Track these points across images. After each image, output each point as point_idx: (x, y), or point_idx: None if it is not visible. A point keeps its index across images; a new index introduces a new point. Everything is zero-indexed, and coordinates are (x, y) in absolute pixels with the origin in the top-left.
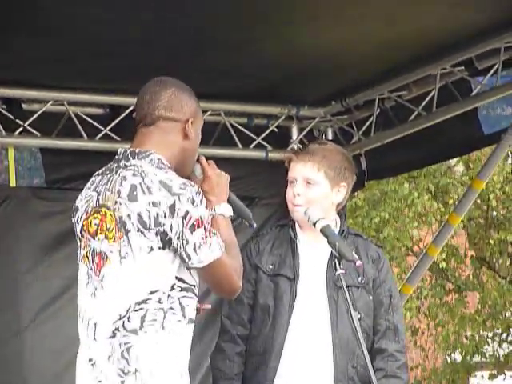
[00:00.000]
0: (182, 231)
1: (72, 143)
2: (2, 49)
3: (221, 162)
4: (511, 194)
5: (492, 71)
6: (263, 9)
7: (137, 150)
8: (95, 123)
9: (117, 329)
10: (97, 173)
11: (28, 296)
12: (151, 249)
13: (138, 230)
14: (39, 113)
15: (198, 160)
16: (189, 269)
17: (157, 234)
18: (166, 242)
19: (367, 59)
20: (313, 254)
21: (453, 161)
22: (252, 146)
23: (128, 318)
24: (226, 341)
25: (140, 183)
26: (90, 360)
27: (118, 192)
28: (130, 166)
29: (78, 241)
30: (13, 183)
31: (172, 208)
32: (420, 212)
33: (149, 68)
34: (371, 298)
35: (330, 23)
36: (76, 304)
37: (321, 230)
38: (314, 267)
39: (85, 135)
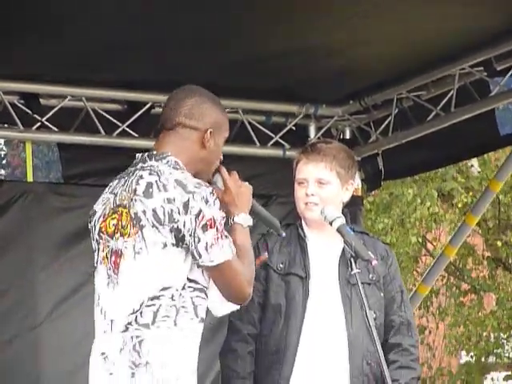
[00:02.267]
0: (195, 229)
1: (89, 139)
2: (19, 44)
3: (238, 160)
4: None
5: (511, 72)
6: (285, 6)
7: (154, 153)
8: (113, 119)
9: (129, 323)
10: (116, 177)
11: (44, 291)
12: (165, 245)
13: (153, 226)
14: (57, 108)
15: (219, 171)
16: (200, 268)
17: (171, 231)
18: (180, 239)
19: (386, 59)
20: (323, 253)
21: (469, 161)
22: (270, 144)
23: (141, 312)
24: (237, 340)
25: (156, 181)
26: (103, 353)
27: (135, 190)
28: (147, 166)
29: (96, 244)
30: (30, 178)
31: (186, 205)
32: (426, 217)
33: (166, 65)
34: (382, 294)
35: (347, 23)
36: (90, 300)
37: (337, 229)
38: (325, 265)
39: (102, 131)
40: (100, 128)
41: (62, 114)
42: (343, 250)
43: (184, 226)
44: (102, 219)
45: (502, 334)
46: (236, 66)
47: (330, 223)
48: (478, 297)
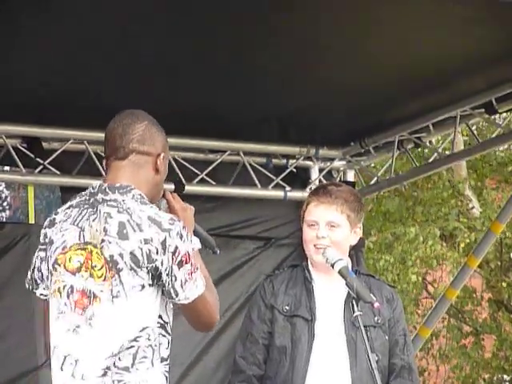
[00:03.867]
0: (172, 267)
1: (92, 182)
2: (20, 89)
3: (239, 202)
4: None
5: None
6: (286, 46)
7: (117, 185)
8: None
9: (108, 367)
10: (70, 204)
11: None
12: (143, 286)
13: (131, 269)
14: (59, 151)
15: (163, 194)
16: (166, 306)
17: (148, 272)
18: (156, 278)
19: (387, 101)
20: (328, 295)
21: (470, 203)
22: (271, 186)
23: (119, 356)
24: (242, 381)
25: (128, 220)
26: None
27: (105, 230)
28: (110, 200)
29: (49, 274)
30: (31, 220)
31: (164, 244)
32: (428, 255)
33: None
34: (387, 337)
35: (346, 63)
36: None
37: (339, 271)
38: (331, 308)
39: (104, 174)
40: (102, 171)
41: (64, 156)
42: (348, 292)
43: (162, 264)
44: (60, 251)
45: (505, 376)
46: (235, 108)
47: (332, 265)
48: (477, 339)
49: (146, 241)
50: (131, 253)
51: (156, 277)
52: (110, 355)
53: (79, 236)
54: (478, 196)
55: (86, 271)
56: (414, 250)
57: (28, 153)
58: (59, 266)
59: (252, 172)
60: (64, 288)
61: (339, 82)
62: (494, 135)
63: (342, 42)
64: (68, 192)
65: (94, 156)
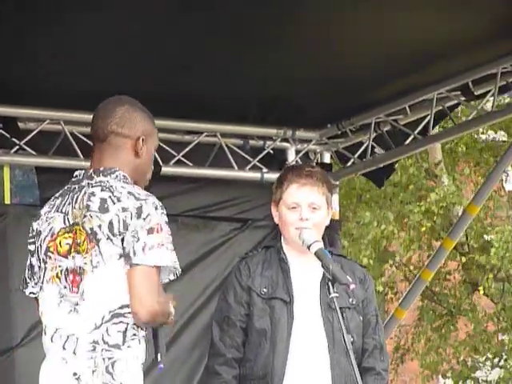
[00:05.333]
0: (138, 230)
1: (68, 162)
2: None
3: (216, 184)
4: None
5: (488, 96)
6: (261, 32)
7: (101, 168)
8: (91, 143)
9: (96, 342)
10: (54, 196)
11: (19, 314)
12: (120, 256)
13: (108, 238)
14: (35, 132)
15: None
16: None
17: (122, 239)
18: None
19: (364, 82)
20: (304, 277)
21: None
22: (248, 167)
23: (106, 330)
24: (221, 364)
25: (110, 196)
26: (75, 374)
27: (87, 206)
28: (96, 182)
29: (42, 263)
30: (7, 200)
31: (139, 210)
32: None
33: (140, 91)
34: (361, 318)
35: (322, 48)
36: None
37: (315, 253)
38: (307, 289)
39: (81, 154)
40: (78, 151)
41: (41, 137)
42: (324, 274)
43: (132, 227)
44: (49, 238)
45: (479, 358)
46: (213, 90)
47: (308, 247)
48: (451, 320)
49: (124, 209)
50: (110, 222)
51: (124, 240)
52: (93, 327)
53: (64, 220)
54: (452, 179)
55: (74, 251)
56: (366, 234)
57: (4, 133)
58: (52, 253)
59: (229, 153)
60: (62, 272)
61: (315, 65)
62: (470, 117)
63: (317, 27)
64: (44, 172)
65: (70, 136)
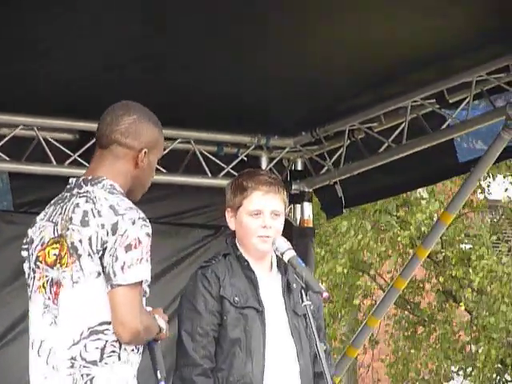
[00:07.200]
0: (116, 248)
1: (41, 168)
2: None
3: (189, 190)
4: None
5: (463, 104)
6: (236, 35)
7: (89, 177)
8: (64, 148)
9: (73, 358)
10: (50, 203)
11: None
12: (99, 274)
13: (89, 255)
14: (9, 137)
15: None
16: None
17: (100, 257)
18: (103, 260)
19: (338, 90)
20: (269, 284)
21: (421, 193)
22: (221, 174)
23: (85, 347)
24: (199, 374)
25: (91, 209)
26: None
27: (70, 219)
28: (83, 192)
29: (32, 272)
30: None
31: (114, 226)
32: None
33: (115, 95)
34: (316, 323)
35: (296, 56)
36: None
37: (288, 261)
38: (273, 297)
39: (54, 160)
40: (51, 157)
41: (14, 142)
42: (287, 280)
43: (108, 245)
44: (39, 247)
45: (452, 368)
46: (187, 96)
47: (282, 254)
48: (424, 329)
49: (102, 226)
50: (89, 238)
51: (103, 260)
52: (72, 343)
53: (53, 231)
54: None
55: (59, 263)
56: (343, 243)
57: None
58: (40, 262)
59: (203, 160)
60: (47, 282)
61: (290, 72)
62: (444, 126)
63: (292, 32)
64: (17, 178)
65: (43, 142)
